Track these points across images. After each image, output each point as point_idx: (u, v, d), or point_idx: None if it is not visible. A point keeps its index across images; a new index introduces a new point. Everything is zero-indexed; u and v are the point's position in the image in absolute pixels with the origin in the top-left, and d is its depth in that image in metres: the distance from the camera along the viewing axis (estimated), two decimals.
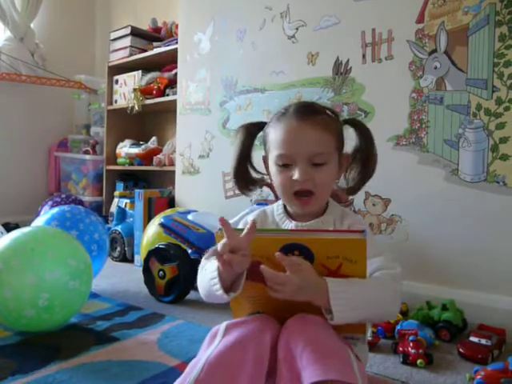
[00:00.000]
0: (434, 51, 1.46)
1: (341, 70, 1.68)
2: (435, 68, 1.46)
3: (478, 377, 0.99)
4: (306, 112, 0.84)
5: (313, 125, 0.82)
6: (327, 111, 0.87)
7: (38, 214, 2.47)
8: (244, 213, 1.63)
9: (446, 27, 1.44)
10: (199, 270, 0.85)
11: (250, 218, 0.92)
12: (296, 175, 0.81)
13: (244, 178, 0.92)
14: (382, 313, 0.78)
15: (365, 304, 0.73)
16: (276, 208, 0.92)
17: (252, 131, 0.91)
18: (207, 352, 0.69)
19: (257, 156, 0.93)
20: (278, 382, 0.68)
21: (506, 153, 1.33)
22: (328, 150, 0.83)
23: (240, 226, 0.90)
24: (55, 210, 1.72)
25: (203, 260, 0.86)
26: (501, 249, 1.35)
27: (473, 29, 1.39)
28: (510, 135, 1.33)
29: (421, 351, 1.11)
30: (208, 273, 0.77)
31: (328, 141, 0.83)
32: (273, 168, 0.86)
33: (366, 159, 0.87)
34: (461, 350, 1.17)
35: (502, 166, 1.34)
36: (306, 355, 0.65)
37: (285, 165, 0.83)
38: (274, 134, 0.85)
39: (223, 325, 0.73)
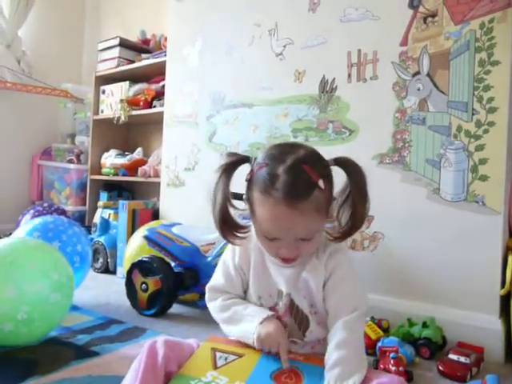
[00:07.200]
0: (417, 73, 1.51)
1: (326, 88, 1.71)
2: (418, 89, 1.50)
3: None
4: (297, 195, 0.78)
5: (302, 212, 0.78)
6: (316, 172, 0.79)
7: (18, 223, 2.43)
8: None
9: (429, 51, 1.48)
10: (219, 308, 0.94)
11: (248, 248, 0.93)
12: (283, 251, 0.83)
13: (229, 223, 0.87)
14: None
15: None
16: None
17: (232, 171, 0.88)
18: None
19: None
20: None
21: (485, 174, 1.37)
22: (316, 229, 0.83)
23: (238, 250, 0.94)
24: (37, 220, 1.70)
25: (218, 301, 0.95)
26: (480, 267, 1.37)
27: (454, 53, 1.43)
28: (488, 157, 1.37)
29: (401, 368, 1.12)
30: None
31: (318, 221, 0.82)
32: (258, 231, 0.86)
33: (356, 202, 0.82)
34: (440, 367, 1.19)
35: (482, 186, 1.38)
36: None
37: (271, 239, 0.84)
38: (261, 209, 0.82)
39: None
